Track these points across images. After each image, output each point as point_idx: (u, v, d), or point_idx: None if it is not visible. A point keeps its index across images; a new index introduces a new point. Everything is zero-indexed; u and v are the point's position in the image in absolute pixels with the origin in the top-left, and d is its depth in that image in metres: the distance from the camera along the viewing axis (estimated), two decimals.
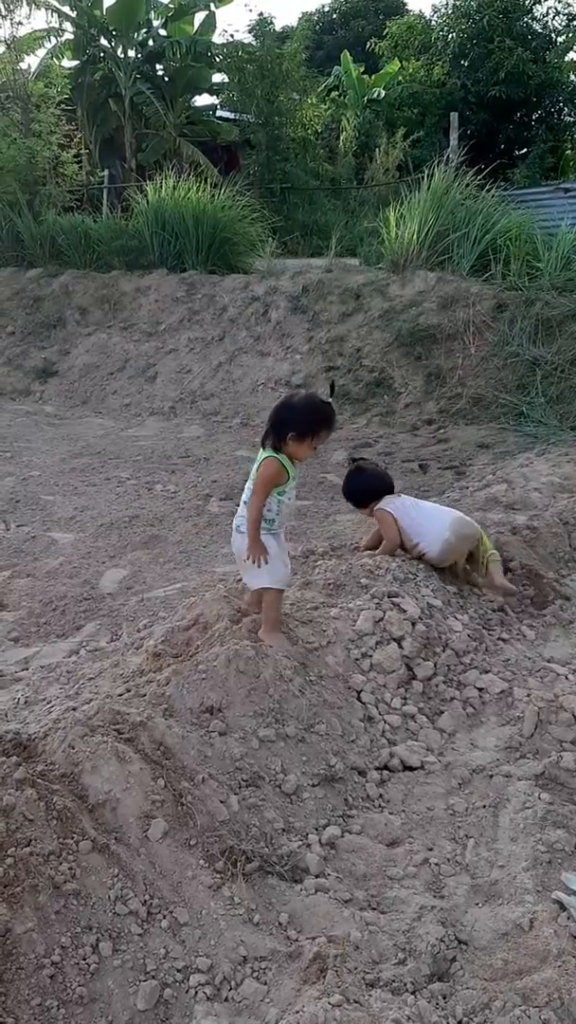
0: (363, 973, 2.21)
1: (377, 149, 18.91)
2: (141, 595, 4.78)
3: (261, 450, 3.37)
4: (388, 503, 4.09)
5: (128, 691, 3.04)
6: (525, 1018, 2.05)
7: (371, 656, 3.45)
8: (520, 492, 5.36)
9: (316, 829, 2.74)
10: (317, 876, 2.53)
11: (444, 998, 2.17)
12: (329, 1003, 2.07)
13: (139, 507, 6.17)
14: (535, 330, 8.15)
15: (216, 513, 6.06)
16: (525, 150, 24.20)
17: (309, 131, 19.11)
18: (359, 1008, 2.08)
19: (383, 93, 23.23)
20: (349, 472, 4.29)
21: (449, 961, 2.27)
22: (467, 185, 9.62)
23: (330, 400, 3.35)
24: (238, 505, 6.22)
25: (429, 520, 4.03)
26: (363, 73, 24.06)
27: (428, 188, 9.48)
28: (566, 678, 3.55)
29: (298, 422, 3.24)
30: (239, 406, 9.00)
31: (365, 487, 4.18)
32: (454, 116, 13.22)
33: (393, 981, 2.19)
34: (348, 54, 24.05)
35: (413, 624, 3.60)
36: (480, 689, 3.49)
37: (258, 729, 2.93)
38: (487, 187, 9.88)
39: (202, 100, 22.29)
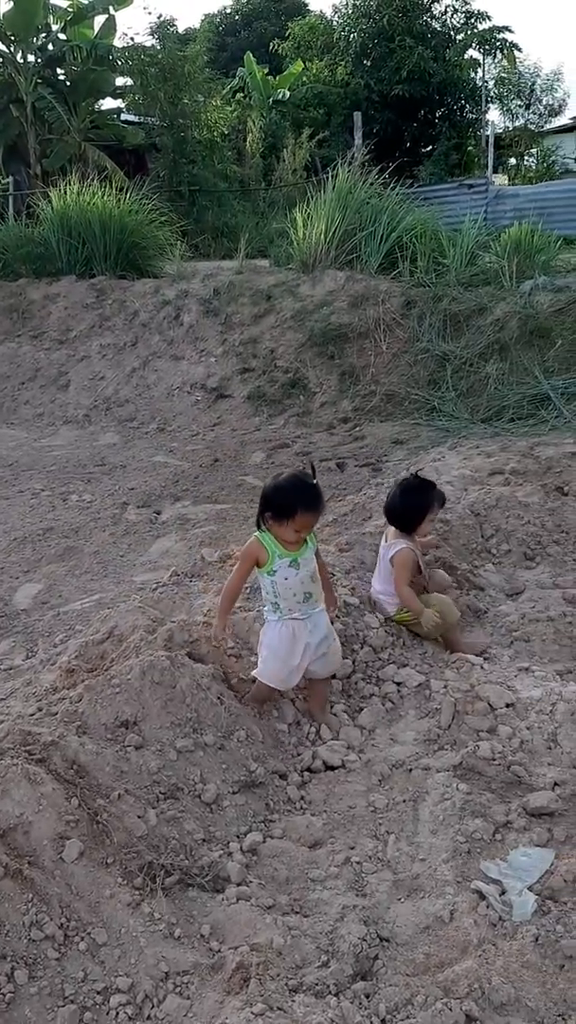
0: (286, 979, 2.21)
1: (285, 150, 18.99)
2: (57, 609, 4.68)
3: None
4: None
5: (40, 710, 2.97)
6: (447, 1011, 2.06)
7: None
8: None
9: (237, 836, 2.72)
10: (239, 884, 2.51)
11: (367, 997, 2.17)
12: (252, 1012, 2.05)
13: (53, 519, 6.05)
14: (443, 325, 8.27)
15: (134, 521, 5.98)
16: (431, 148, 24.63)
17: (215, 133, 19.07)
18: (282, 1015, 2.07)
19: (288, 94, 23.36)
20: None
21: (371, 959, 2.28)
22: (371, 184, 9.71)
23: (315, 482, 3.10)
24: (157, 513, 6.24)
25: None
26: (267, 74, 24.13)
27: (333, 188, 9.54)
28: (481, 667, 3.60)
29: (274, 503, 3.06)
30: (155, 411, 8.91)
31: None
32: (357, 115, 13.38)
33: (316, 984, 2.19)
34: (251, 55, 24.09)
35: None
36: (398, 684, 3.52)
37: (175, 740, 2.89)
38: (392, 185, 9.99)
39: (109, 104, 22.03)
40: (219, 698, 3.09)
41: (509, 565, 4.68)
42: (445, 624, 3.73)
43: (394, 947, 2.32)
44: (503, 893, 2.45)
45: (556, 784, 2.85)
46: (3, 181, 16.77)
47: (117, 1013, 2.14)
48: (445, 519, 4.69)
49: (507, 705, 3.27)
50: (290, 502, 3.04)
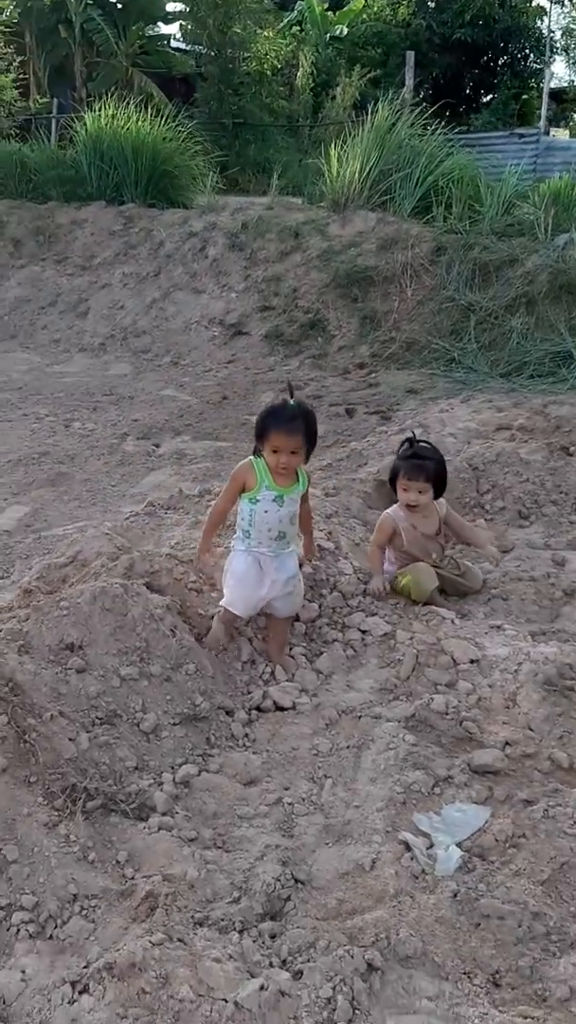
0: (193, 912, 2.16)
1: (337, 87, 18.42)
2: (40, 533, 4.65)
3: None
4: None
5: None
6: (348, 958, 2.01)
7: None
8: (435, 437, 5.27)
9: (172, 768, 2.67)
10: (163, 814, 2.47)
11: (272, 937, 2.13)
12: (150, 941, 2.01)
13: (52, 444, 6.00)
14: (472, 275, 8.02)
15: (131, 452, 5.91)
16: (491, 96, 23.80)
17: (265, 65, 18.53)
18: (181, 946, 2.03)
19: (346, 31, 22.60)
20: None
21: (283, 900, 2.23)
22: (412, 124, 9.36)
23: (289, 401, 3.03)
24: (155, 445, 6.15)
25: None
26: (327, 9, 23.34)
27: (372, 125, 9.22)
28: (452, 622, 3.50)
29: (256, 426, 3.09)
30: (170, 344, 8.79)
31: None
32: (410, 55, 12.90)
33: (222, 920, 2.15)
34: None
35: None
36: (363, 631, 3.43)
37: (120, 667, 2.84)
38: (436, 129, 9.61)
39: (165, 30, 21.48)
40: (172, 630, 3.02)
41: (502, 523, 4.55)
42: (419, 594, 3.62)
43: (308, 890, 2.26)
44: (430, 847, 2.38)
45: (507, 744, 2.76)
46: (41, 101, 16.49)
47: (18, 930, 2.11)
48: None
49: (471, 661, 3.18)
50: (262, 421, 3.05)
